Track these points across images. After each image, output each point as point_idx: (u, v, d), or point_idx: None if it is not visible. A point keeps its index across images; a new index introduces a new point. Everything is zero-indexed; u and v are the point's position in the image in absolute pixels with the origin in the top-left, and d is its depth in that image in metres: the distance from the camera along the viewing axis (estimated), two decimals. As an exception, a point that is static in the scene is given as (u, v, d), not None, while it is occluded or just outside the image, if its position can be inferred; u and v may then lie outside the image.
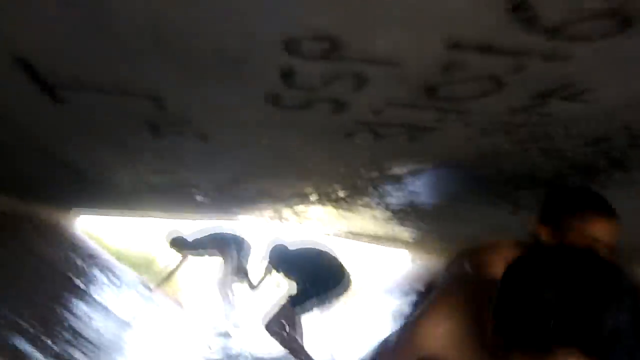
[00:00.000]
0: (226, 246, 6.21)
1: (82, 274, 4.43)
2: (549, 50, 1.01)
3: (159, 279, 6.38)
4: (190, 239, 6.27)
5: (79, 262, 4.71)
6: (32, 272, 3.67)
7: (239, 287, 6.34)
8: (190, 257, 6.51)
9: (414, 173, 2.63)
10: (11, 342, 2.44)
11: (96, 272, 4.81)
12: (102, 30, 1.04)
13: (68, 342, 2.94)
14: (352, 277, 4.67)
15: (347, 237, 6.81)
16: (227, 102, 1.51)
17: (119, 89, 1.39)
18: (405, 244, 6.16)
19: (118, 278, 5.29)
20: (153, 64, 1.22)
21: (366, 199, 3.52)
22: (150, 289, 6.03)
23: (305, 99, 1.41)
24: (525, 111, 1.44)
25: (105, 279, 4.82)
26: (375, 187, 3.09)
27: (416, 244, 5.98)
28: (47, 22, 1.02)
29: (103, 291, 4.41)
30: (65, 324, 3.15)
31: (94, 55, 1.17)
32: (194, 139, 1.92)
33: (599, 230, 1.23)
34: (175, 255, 6.46)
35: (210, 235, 6.32)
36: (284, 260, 4.74)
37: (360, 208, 3.92)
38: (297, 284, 4.45)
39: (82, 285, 4.09)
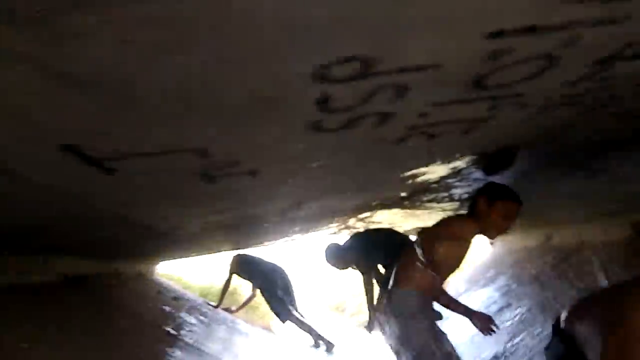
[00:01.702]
0: (264, 275, 6.22)
1: (171, 319, 4.58)
2: (604, 14, 0.90)
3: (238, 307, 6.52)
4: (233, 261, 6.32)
5: (166, 308, 4.88)
6: (127, 326, 3.83)
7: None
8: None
9: (475, 162, 2.50)
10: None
11: (183, 314, 4.97)
12: (133, 103, 1.04)
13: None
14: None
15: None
16: (270, 138, 1.48)
17: (162, 150, 1.40)
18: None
19: (205, 315, 5.44)
20: (189, 122, 1.22)
21: (431, 195, 3.41)
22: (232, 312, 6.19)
23: (346, 119, 1.35)
24: (588, 79, 1.30)
25: (193, 320, 4.97)
26: (437, 183, 2.97)
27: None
28: (81, 109, 1.03)
29: (193, 332, 4.53)
30: (165, 373, 3.26)
31: (130, 127, 1.18)
32: (246, 177, 1.92)
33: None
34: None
35: (246, 260, 6.37)
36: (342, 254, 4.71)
37: (426, 204, 3.79)
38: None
39: (172, 331, 4.23)
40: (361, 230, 5.05)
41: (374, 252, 4.48)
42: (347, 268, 4.89)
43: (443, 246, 2.52)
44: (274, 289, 6.12)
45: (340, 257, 4.64)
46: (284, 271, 6.34)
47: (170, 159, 1.50)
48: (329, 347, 6.05)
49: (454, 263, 2.65)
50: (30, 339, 2.66)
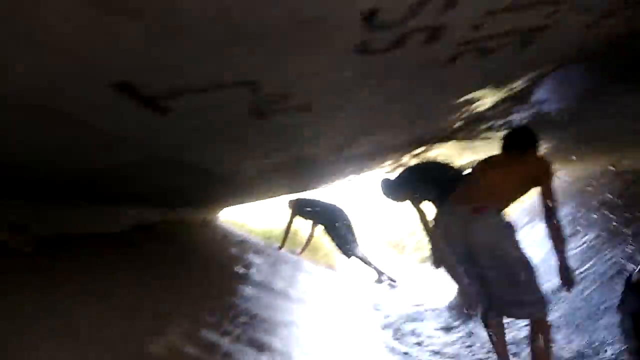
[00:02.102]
0: (330, 217, 6.41)
1: (239, 260, 4.82)
2: None
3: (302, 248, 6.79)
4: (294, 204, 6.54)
5: (232, 250, 5.14)
6: (199, 268, 4.08)
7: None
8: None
9: (533, 82, 2.38)
10: (200, 334, 2.74)
11: (250, 255, 5.21)
12: (180, 33, 1.05)
13: (246, 323, 3.22)
14: None
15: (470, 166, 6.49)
16: (319, 65, 1.47)
17: (213, 84, 1.42)
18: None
19: (270, 256, 5.69)
20: (236, 51, 1.22)
21: (487, 123, 3.29)
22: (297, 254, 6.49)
23: (395, 36, 1.31)
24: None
25: (259, 260, 5.21)
26: (493, 109, 2.86)
27: (555, 155, 5.50)
28: (130, 43, 1.06)
29: (261, 272, 4.77)
30: (239, 309, 3.46)
31: (180, 59, 1.20)
32: (298, 111, 1.93)
33: None
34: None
35: (311, 200, 6.55)
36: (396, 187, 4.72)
37: (483, 134, 3.68)
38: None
39: (242, 271, 4.46)
40: (414, 164, 5.03)
41: (426, 186, 4.48)
42: (404, 200, 4.91)
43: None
44: (337, 227, 6.39)
45: (395, 189, 4.68)
46: (343, 210, 6.53)
47: (221, 95, 1.53)
48: (392, 283, 6.19)
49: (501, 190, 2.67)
50: (119, 283, 2.91)
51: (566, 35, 1.67)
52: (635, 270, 1.57)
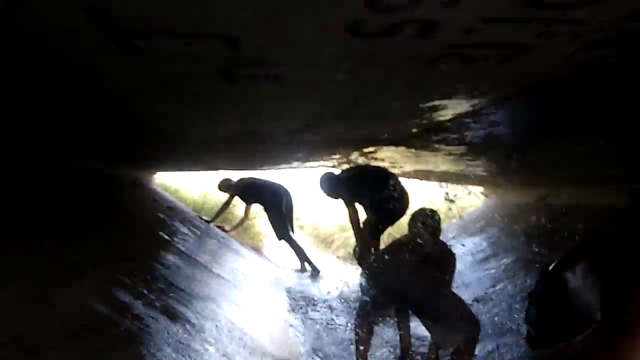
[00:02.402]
0: (263, 194, 6.41)
1: (165, 226, 4.64)
2: None
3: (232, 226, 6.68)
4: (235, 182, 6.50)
5: (161, 215, 4.94)
6: (123, 227, 3.88)
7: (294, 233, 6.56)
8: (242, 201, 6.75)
9: (498, 101, 2.44)
10: (114, 294, 2.60)
11: (177, 224, 5.03)
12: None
13: (161, 290, 3.10)
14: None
15: (416, 177, 6.67)
16: (304, 36, 1.41)
17: (191, 31, 1.33)
18: (478, 180, 5.94)
19: (197, 228, 5.53)
20: (226, 1, 1.14)
21: (442, 135, 3.36)
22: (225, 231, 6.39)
23: (390, 22, 1.28)
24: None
25: (186, 230, 5.04)
26: (453, 121, 2.92)
27: (491, 180, 5.76)
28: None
29: (186, 241, 4.61)
30: (157, 275, 3.33)
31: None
32: (268, 81, 1.85)
33: None
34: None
35: (253, 180, 6.53)
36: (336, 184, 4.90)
37: (435, 145, 3.76)
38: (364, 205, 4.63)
39: (166, 237, 4.29)
40: (357, 166, 5.15)
41: (363, 189, 4.63)
42: (337, 198, 5.06)
43: None
44: (280, 206, 6.36)
45: (332, 186, 4.79)
46: (288, 191, 6.48)
47: (196, 44, 1.43)
48: (315, 272, 6.24)
49: None
50: (35, 228, 2.69)
51: (541, 62, 1.71)
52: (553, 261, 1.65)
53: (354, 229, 4.72)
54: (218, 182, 6.65)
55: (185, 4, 1.16)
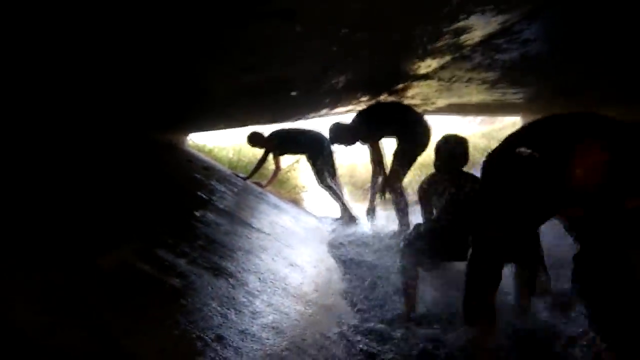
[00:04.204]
0: (303, 143, 6.35)
1: (202, 186, 4.70)
2: None
3: (267, 181, 6.72)
4: (268, 135, 6.47)
5: (197, 176, 5.00)
6: (162, 189, 3.95)
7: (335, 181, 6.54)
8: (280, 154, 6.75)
9: (529, 15, 2.24)
10: (155, 252, 2.66)
11: (214, 182, 5.09)
12: None
13: (203, 247, 3.16)
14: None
15: (451, 112, 6.45)
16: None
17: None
18: (516, 108, 5.68)
19: (235, 186, 5.58)
20: None
21: (471, 62, 3.17)
22: (262, 186, 6.45)
23: None
24: None
25: (223, 188, 5.10)
26: (480, 45, 2.73)
27: (530, 107, 5.48)
28: None
29: (224, 199, 4.67)
30: (198, 232, 3.39)
31: None
32: (279, 21, 1.75)
33: None
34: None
35: (287, 130, 6.48)
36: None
37: (467, 74, 3.56)
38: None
39: (204, 196, 4.35)
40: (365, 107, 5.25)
41: (379, 125, 4.85)
42: (353, 144, 5.17)
43: None
44: (322, 152, 6.34)
45: (347, 134, 4.90)
46: (325, 137, 6.44)
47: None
48: (352, 220, 6.24)
49: None
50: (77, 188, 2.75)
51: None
52: None
53: (378, 167, 5.08)
54: (247, 137, 6.62)
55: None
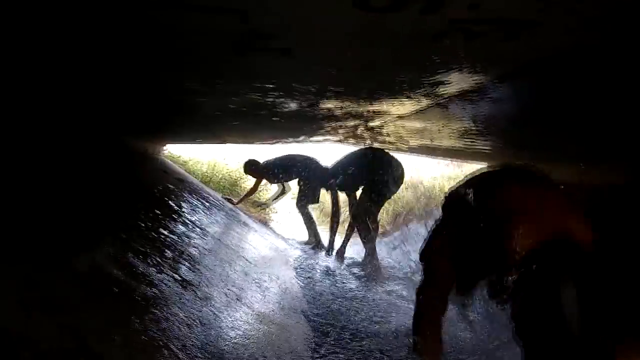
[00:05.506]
0: (296, 169, 6.51)
1: (175, 196, 4.75)
2: None
3: (239, 199, 6.80)
4: (263, 163, 6.61)
5: (170, 186, 5.04)
6: (135, 197, 3.98)
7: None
8: (266, 180, 6.88)
9: (503, 78, 2.47)
10: (128, 259, 2.71)
11: (186, 194, 5.14)
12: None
13: (172, 258, 3.22)
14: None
15: (422, 153, 6.71)
16: (313, 11, 1.46)
17: (207, 5, 1.39)
18: (484, 157, 5.97)
19: (206, 200, 5.64)
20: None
21: (448, 109, 3.40)
22: (233, 203, 6.51)
23: (397, -3, 1.33)
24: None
25: (195, 201, 5.15)
26: (458, 97, 2.95)
27: (496, 157, 5.78)
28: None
29: (195, 212, 4.73)
30: (168, 242, 3.44)
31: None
32: (278, 55, 1.90)
33: None
34: (252, 178, 6.82)
35: (281, 158, 6.62)
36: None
37: (440, 121, 3.80)
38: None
39: (176, 207, 4.40)
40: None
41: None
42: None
43: None
44: (311, 179, 6.48)
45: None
46: (317, 161, 6.57)
47: (211, 18, 1.50)
48: (319, 246, 6.36)
49: None
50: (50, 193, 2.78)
51: (547, 36, 1.74)
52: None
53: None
54: (244, 166, 6.74)
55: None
